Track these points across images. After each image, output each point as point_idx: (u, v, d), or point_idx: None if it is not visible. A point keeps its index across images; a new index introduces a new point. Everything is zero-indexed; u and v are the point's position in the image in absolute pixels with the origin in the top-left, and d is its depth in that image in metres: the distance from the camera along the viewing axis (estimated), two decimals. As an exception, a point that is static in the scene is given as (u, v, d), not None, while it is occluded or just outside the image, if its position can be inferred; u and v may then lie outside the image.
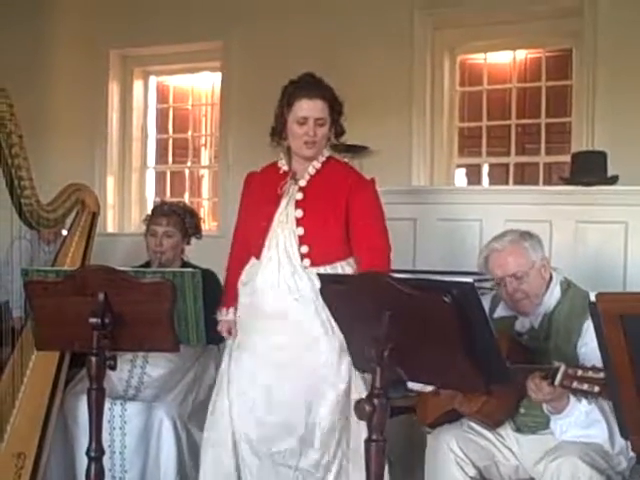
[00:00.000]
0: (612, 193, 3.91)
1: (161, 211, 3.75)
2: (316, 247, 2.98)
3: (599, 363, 1.94)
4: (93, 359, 2.73)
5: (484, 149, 5.34)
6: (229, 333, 3.14)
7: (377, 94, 5.06)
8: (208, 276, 3.37)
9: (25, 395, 3.31)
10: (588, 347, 2.58)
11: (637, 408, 1.79)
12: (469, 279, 2.09)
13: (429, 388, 2.85)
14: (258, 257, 3.05)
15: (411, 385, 2.87)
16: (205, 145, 6.37)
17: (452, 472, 2.74)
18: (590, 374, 2.32)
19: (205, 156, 6.37)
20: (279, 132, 3.07)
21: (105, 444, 2.93)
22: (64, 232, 3.95)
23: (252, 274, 3.06)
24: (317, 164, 3.07)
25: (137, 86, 6.18)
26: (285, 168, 3.10)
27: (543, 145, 5.15)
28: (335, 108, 3.03)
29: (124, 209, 6.14)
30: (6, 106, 3.28)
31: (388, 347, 2.09)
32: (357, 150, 4.73)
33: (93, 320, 2.70)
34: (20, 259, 3.97)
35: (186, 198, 6.08)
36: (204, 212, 6.19)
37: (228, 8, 5.53)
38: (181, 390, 3.56)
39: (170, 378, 3.57)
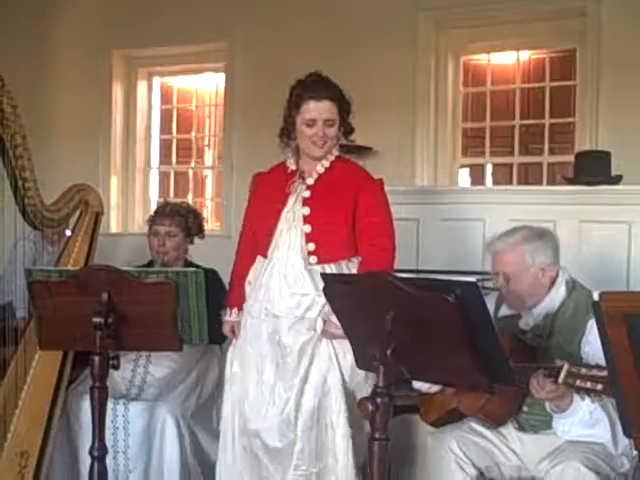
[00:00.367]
0: (616, 193, 3.90)
1: (163, 211, 3.76)
2: (323, 245, 2.98)
3: (603, 362, 1.93)
4: (96, 358, 2.74)
5: (488, 149, 5.32)
6: (232, 333, 3.14)
7: (381, 94, 5.04)
8: (211, 276, 3.39)
9: (28, 395, 3.31)
10: (592, 346, 2.57)
11: (641, 406, 1.79)
12: (472, 279, 2.10)
13: (435, 388, 2.85)
14: (265, 255, 3.05)
15: (418, 385, 2.87)
16: (209, 146, 6.37)
17: (452, 473, 2.74)
18: (594, 372, 2.31)
19: (209, 157, 6.38)
20: (288, 132, 3.07)
21: (108, 444, 2.94)
22: (68, 232, 3.95)
23: (259, 272, 3.06)
24: (326, 163, 3.07)
25: (141, 87, 6.17)
26: (293, 167, 3.10)
27: (547, 145, 5.14)
28: (343, 107, 3.02)
29: (128, 209, 6.14)
30: (10, 107, 3.28)
31: (391, 346, 2.09)
32: (360, 150, 4.73)
33: (96, 320, 2.71)
34: (24, 259, 3.96)
35: (190, 198, 6.08)
36: (208, 212, 6.19)
37: (232, 9, 5.53)
38: (184, 389, 3.57)
39: (173, 378, 3.57)
